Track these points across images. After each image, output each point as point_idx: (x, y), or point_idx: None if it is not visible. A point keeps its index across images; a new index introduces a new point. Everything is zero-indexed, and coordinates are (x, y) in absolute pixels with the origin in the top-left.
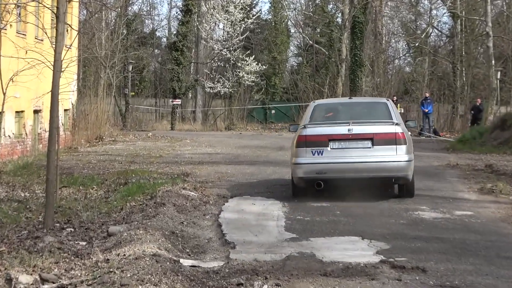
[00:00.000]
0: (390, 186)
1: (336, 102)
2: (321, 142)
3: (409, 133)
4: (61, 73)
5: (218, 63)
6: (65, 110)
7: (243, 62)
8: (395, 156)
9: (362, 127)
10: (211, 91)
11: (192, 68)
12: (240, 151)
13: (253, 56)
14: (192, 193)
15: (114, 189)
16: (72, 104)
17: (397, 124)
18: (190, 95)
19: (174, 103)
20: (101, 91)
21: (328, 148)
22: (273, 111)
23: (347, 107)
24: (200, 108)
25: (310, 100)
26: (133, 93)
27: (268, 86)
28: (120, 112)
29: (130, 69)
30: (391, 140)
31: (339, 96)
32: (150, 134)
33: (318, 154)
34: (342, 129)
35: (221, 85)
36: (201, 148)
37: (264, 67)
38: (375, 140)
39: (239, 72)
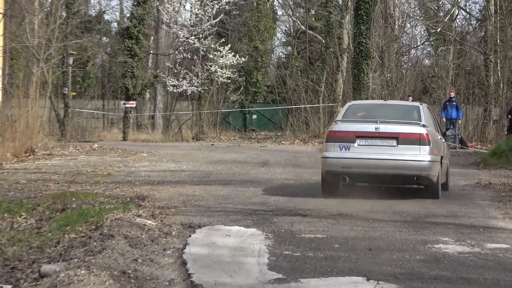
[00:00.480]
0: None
1: (370, 103)
2: (348, 138)
3: (446, 142)
4: None
5: (184, 55)
6: None
7: (216, 53)
8: (418, 156)
9: (389, 126)
10: (174, 90)
11: (150, 61)
12: (211, 168)
13: (229, 46)
14: (149, 221)
15: (49, 217)
16: None
17: (423, 125)
18: (148, 96)
19: (127, 106)
20: (33, 90)
21: (355, 144)
22: (254, 116)
23: (380, 108)
24: (161, 113)
25: (302, 102)
26: (74, 94)
27: (248, 84)
28: (57, 118)
29: (71, 62)
30: (416, 140)
31: (340, 97)
32: (96, 145)
33: (345, 150)
34: (369, 127)
35: (187, 83)
36: (161, 164)
37: (243, 59)
38: (400, 139)
39: (210, 66)
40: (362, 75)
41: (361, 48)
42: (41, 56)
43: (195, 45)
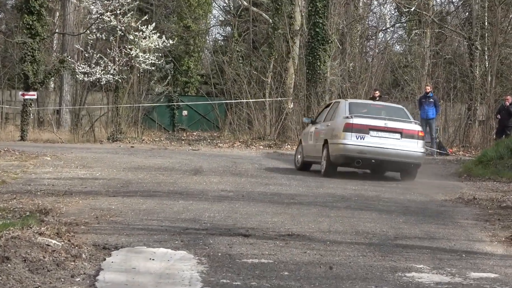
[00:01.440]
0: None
1: (365, 102)
2: (363, 130)
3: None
4: None
5: (98, 35)
6: None
7: (137, 33)
8: (417, 147)
9: (395, 122)
10: (85, 79)
11: (55, 42)
12: (131, 176)
13: (154, 25)
14: (53, 241)
15: None
16: None
17: (419, 124)
18: (53, 86)
19: (27, 97)
20: None
21: (369, 135)
22: (184, 112)
23: (375, 108)
24: (68, 107)
25: (244, 96)
26: None
27: (177, 72)
28: None
29: None
30: (414, 135)
31: (291, 90)
32: None
33: (361, 139)
34: (380, 122)
35: (101, 70)
36: (69, 170)
37: (170, 41)
38: (403, 133)
39: (130, 49)
40: (318, 64)
41: (317, 30)
42: None
43: (111, 23)
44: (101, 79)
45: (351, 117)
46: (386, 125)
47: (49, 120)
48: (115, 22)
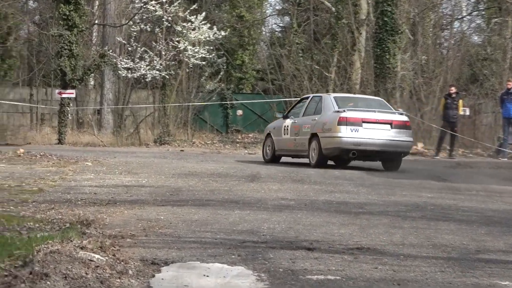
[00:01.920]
0: None
1: (348, 96)
2: (357, 122)
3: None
4: None
5: (142, 27)
6: None
7: (185, 24)
8: (406, 137)
9: (385, 114)
10: (129, 75)
11: (95, 34)
12: (181, 183)
13: (204, 14)
14: (97, 256)
15: None
16: None
17: (406, 115)
18: (93, 83)
19: (64, 96)
20: None
21: (362, 128)
22: (239, 112)
23: (359, 101)
24: (110, 106)
25: (304, 93)
26: None
27: (230, 67)
28: None
29: None
30: (403, 125)
31: (357, 86)
32: (22, 150)
33: (355, 131)
34: (372, 115)
35: (146, 65)
36: (112, 177)
37: (223, 33)
38: (393, 124)
39: (178, 42)
40: (387, 57)
41: (386, 19)
42: None
43: (156, 13)
44: (146, 75)
45: (344, 111)
46: (378, 117)
47: (89, 121)
48: (161, 12)
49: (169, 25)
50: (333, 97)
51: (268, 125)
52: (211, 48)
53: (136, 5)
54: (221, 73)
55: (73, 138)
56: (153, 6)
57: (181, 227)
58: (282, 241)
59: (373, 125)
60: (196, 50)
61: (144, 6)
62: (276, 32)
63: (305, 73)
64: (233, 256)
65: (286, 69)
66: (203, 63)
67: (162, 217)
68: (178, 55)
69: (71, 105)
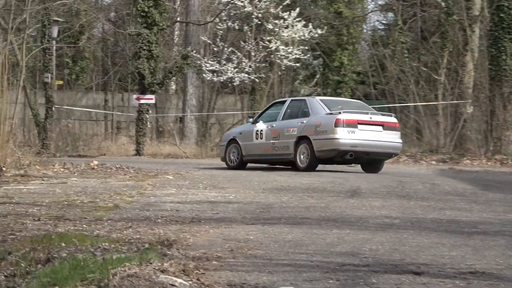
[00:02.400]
0: None
1: (333, 99)
2: (353, 124)
3: None
4: None
5: (229, 25)
6: None
7: (277, 22)
8: (397, 138)
9: (377, 116)
10: (215, 79)
11: (177, 33)
12: (273, 198)
13: (297, 11)
14: (179, 280)
15: (26, 272)
16: None
17: (395, 116)
18: (174, 87)
19: (143, 102)
20: None
21: (358, 129)
22: None
23: (344, 103)
24: (194, 113)
25: (410, 98)
26: (61, 82)
27: (327, 69)
28: (35, 120)
29: (55, 34)
30: (394, 127)
31: (469, 90)
32: (96, 162)
33: (352, 133)
34: (366, 116)
35: (234, 68)
36: (196, 192)
37: (319, 31)
38: (384, 126)
39: (270, 41)
40: (504, 57)
41: (502, 15)
42: (10, 25)
43: (245, 9)
44: (234, 78)
45: (340, 113)
46: (371, 119)
47: (170, 130)
48: (250, 8)
49: (259, 22)
50: (320, 99)
51: (228, 132)
52: (306, 48)
53: (222, 0)
54: (317, 76)
55: (152, 148)
56: (242, 2)
57: (273, 248)
58: (386, 264)
59: (367, 127)
60: (289, 50)
61: (232, 1)
62: (379, 30)
63: (411, 76)
64: (331, 281)
65: (390, 71)
66: (297, 64)
67: (251, 237)
68: (269, 56)
69: (150, 112)
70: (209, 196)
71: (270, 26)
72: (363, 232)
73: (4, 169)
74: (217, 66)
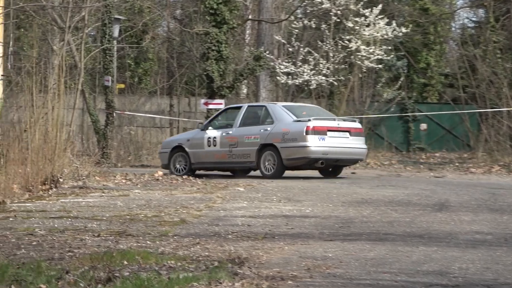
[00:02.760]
0: None
1: (296, 105)
2: (323, 131)
3: None
4: None
5: (305, 23)
6: None
7: (358, 19)
8: (362, 144)
9: (343, 122)
10: (289, 82)
11: (248, 32)
12: (353, 212)
13: (379, 7)
14: None
15: None
16: None
17: (360, 122)
18: (246, 91)
19: (211, 107)
20: (53, 81)
21: (327, 136)
22: (423, 126)
23: (308, 109)
24: None
25: (504, 102)
26: (122, 86)
27: (412, 71)
28: (94, 127)
29: (116, 34)
30: (359, 133)
31: None
32: (160, 173)
33: (322, 141)
34: (334, 123)
35: (310, 70)
36: (269, 205)
37: (403, 30)
38: (351, 132)
39: (349, 41)
40: None
41: None
42: (67, 23)
43: (323, 6)
44: (310, 81)
45: (309, 120)
46: (339, 125)
47: None
48: (328, 5)
49: (338, 20)
50: (282, 105)
51: (170, 138)
52: (389, 48)
53: None
54: (401, 79)
55: None
56: None
57: (354, 266)
58: (477, 284)
59: (336, 134)
60: (370, 50)
61: None
62: (469, 28)
63: (504, 78)
64: None
65: (481, 73)
66: (379, 66)
67: (330, 255)
68: (349, 56)
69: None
70: (284, 210)
71: (350, 24)
72: (452, 249)
73: (61, 180)
74: (292, 68)
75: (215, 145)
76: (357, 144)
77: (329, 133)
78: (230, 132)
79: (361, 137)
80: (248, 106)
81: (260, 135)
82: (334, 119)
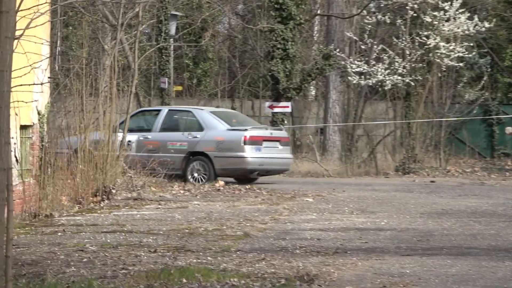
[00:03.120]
0: None
1: (221, 110)
2: (259, 141)
3: None
4: (14, 42)
5: (379, 18)
6: (23, 127)
7: (436, 14)
8: (289, 154)
9: (275, 131)
10: (362, 82)
11: (317, 29)
12: (432, 224)
13: (460, 0)
14: None
15: None
16: (39, 114)
17: (285, 131)
18: (314, 93)
19: (277, 110)
20: (105, 83)
21: (262, 146)
22: (509, 129)
23: (232, 115)
24: (337, 124)
25: None
26: (179, 88)
27: (496, 70)
28: None
29: (173, 31)
30: (287, 142)
31: None
32: (222, 183)
33: (258, 151)
34: (267, 133)
35: (385, 69)
36: (340, 217)
37: (486, 25)
38: (281, 141)
39: (427, 37)
40: None
41: None
42: (119, 21)
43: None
44: (385, 82)
45: (246, 129)
46: (272, 135)
47: (309, 144)
48: None
49: (415, 15)
50: (210, 112)
51: (67, 139)
52: (471, 44)
53: None
54: (484, 78)
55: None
56: None
57: (433, 284)
58: None
59: (269, 143)
60: (450, 47)
61: None
62: None
63: None
64: None
65: None
66: (460, 64)
67: (407, 271)
68: (427, 54)
69: (285, 122)
70: (357, 222)
71: (428, 19)
72: None
73: (113, 191)
74: (365, 67)
75: (130, 149)
76: (286, 154)
77: (264, 143)
78: (149, 136)
79: (288, 147)
80: (169, 110)
81: (188, 142)
82: (267, 129)
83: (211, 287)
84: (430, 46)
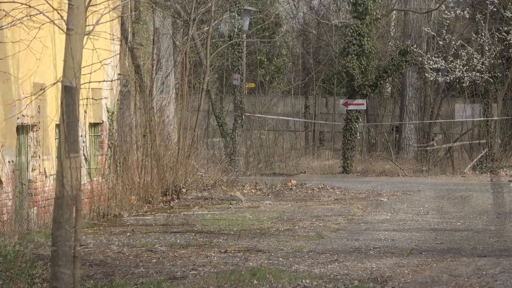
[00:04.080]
0: None
1: None
2: None
3: None
4: (84, 39)
5: (458, 12)
6: (93, 125)
7: None
8: None
9: None
10: (439, 79)
11: (393, 24)
12: (510, 225)
13: None
14: None
15: None
16: (108, 112)
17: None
18: (390, 90)
19: (351, 108)
20: (175, 80)
21: None
22: None
23: None
24: (414, 121)
25: None
26: (252, 85)
27: None
28: (221, 130)
29: (246, 27)
30: None
31: None
32: (294, 182)
33: None
34: None
35: (463, 65)
36: (415, 217)
37: None
38: None
39: (507, 33)
40: None
41: None
42: (191, 16)
43: None
44: (463, 78)
45: None
46: None
47: (384, 142)
48: None
49: (495, 9)
50: None
51: None
52: None
53: None
54: None
55: (362, 164)
56: None
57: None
58: None
59: None
60: None
61: None
62: None
63: None
64: None
65: None
66: None
67: (483, 272)
68: (507, 50)
69: (360, 120)
70: (432, 223)
71: (508, 14)
72: None
73: (184, 190)
74: (442, 64)
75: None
76: None
77: None
78: None
79: None
80: None
81: None
82: None
83: None
84: (510, 41)
